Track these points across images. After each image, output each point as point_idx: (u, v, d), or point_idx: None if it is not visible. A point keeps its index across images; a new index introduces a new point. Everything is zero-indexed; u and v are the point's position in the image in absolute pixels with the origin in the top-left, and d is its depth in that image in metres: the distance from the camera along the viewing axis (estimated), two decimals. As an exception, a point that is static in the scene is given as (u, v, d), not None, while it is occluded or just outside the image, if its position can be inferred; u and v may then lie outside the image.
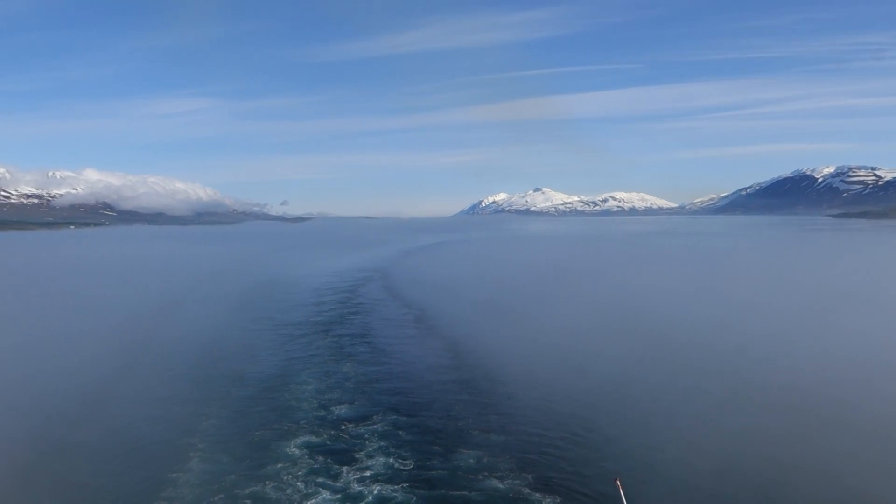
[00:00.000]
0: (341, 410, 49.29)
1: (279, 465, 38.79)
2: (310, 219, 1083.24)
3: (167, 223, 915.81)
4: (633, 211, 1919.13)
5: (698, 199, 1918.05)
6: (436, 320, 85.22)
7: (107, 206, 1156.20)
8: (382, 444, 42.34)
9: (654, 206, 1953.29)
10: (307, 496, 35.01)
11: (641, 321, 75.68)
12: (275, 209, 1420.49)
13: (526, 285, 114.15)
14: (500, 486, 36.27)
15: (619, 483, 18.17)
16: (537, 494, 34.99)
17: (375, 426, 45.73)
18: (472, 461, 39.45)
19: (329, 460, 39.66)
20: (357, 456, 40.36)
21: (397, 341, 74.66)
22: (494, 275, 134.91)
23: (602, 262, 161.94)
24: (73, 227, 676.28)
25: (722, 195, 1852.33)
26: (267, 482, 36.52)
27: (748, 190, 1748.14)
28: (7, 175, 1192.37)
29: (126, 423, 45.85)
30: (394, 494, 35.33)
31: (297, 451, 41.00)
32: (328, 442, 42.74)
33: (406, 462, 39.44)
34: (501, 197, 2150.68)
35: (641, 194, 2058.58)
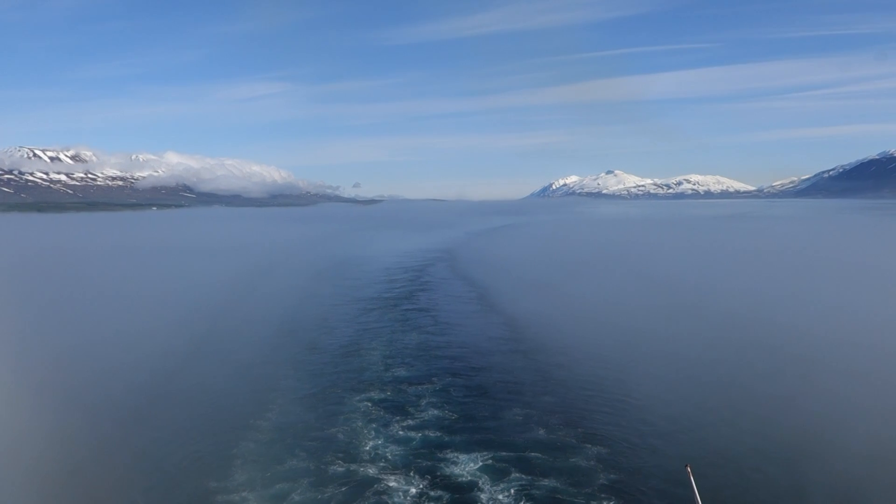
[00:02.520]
0: (403, 372, 55.09)
1: (346, 416, 44.57)
2: (381, 201, 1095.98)
3: (243, 205, 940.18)
4: (708, 194, 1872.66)
5: (777, 182, 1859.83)
6: (499, 298, 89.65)
7: (186, 188, 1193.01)
8: (434, 400, 47.88)
9: (731, 189, 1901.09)
10: (368, 439, 40.66)
11: (710, 305, 75.81)
12: (347, 191, 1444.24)
13: (589, 267, 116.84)
14: (560, 458, 39.67)
15: (689, 469, 17.38)
16: (599, 470, 35.83)
17: (432, 386, 51.30)
18: (523, 423, 44.17)
19: (388, 412, 45.27)
20: (412, 409, 45.96)
21: (459, 315, 79.83)
22: (558, 256, 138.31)
23: (668, 246, 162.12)
24: (155, 208, 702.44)
25: (803, 178, 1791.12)
26: (335, 429, 42.41)
27: (830, 172, 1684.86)
28: (94, 158, 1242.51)
29: (213, 379, 52.32)
30: (439, 439, 40.74)
31: (362, 405, 46.79)
32: (390, 397, 48.49)
33: (454, 415, 44.76)
34: (573, 179, 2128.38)
35: (717, 177, 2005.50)
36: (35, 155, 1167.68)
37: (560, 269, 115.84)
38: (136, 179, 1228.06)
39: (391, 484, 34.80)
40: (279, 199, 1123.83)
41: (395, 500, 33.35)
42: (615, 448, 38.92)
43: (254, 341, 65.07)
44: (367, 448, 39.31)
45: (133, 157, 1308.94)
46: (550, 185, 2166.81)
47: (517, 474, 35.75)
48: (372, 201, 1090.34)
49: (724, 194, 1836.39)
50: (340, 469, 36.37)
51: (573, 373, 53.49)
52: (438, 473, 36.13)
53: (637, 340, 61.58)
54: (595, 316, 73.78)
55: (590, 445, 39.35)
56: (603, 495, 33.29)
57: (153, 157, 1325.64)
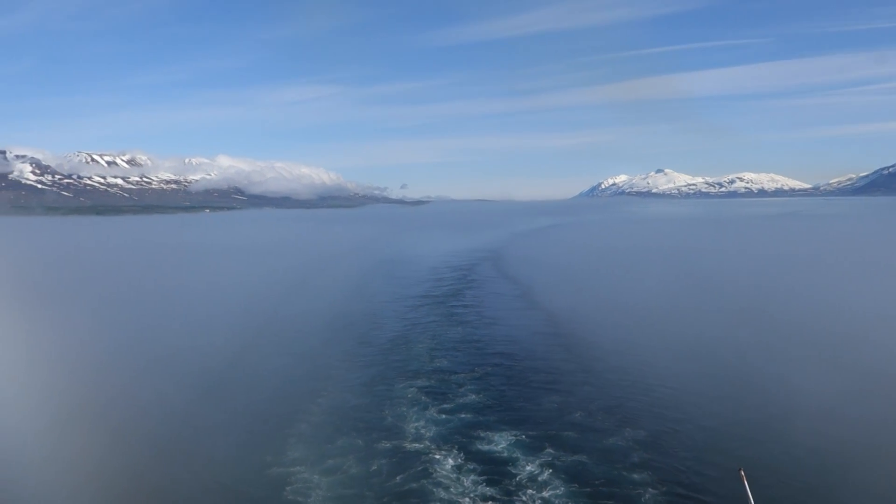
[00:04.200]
0: (446, 363, 58.18)
1: (393, 401, 47.73)
2: (428, 202, 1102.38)
3: (293, 206, 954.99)
4: (761, 192, 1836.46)
5: (834, 180, 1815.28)
6: (542, 296, 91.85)
7: (237, 191, 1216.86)
8: (475, 387, 51.00)
9: (785, 188, 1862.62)
10: (413, 420, 43.87)
11: (759, 306, 74.82)
12: (394, 192, 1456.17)
13: (635, 266, 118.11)
14: (595, 440, 42.82)
15: (742, 474, 16.91)
16: (650, 475, 35.46)
17: (473, 375, 54.39)
18: (560, 408, 46.61)
19: (431, 397, 48.51)
20: (453, 395, 49.12)
21: (502, 311, 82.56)
22: (603, 256, 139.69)
23: (716, 245, 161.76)
24: (208, 210, 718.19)
25: (861, 175, 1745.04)
26: (383, 412, 45.71)
27: (890, 169, 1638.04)
28: (149, 162, 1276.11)
29: (270, 368, 55.92)
30: (478, 420, 43.77)
31: (408, 391, 49.97)
32: (434, 385, 51.69)
33: (493, 400, 47.76)
34: (621, 179, 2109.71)
35: (771, 175, 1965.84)
36: (93, 160, 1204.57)
37: (604, 268, 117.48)
38: (189, 182, 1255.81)
39: (433, 457, 37.84)
40: (328, 200, 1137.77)
41: (437, 471, 36.22)
42: (655, 437, 40.40)
43: (308, 334, 68.66)
44: (411, 428, 42.36)
45: (186, 160, 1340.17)
46: (599, 184, 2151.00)
47: (551, 450, 38.43)
48: (419, 202, 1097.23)
49: (779, 192, 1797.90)
50: (387, 446, 39.44)
51: (615, 367, 54.89)
52: (476, 449, 39.08)
53: (682, 339, 61.95)
54: (640, 314, 74.59)
55: (629, 429, 41.36)
56: (638, 476, 35.51)
57: (205, 160, 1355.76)
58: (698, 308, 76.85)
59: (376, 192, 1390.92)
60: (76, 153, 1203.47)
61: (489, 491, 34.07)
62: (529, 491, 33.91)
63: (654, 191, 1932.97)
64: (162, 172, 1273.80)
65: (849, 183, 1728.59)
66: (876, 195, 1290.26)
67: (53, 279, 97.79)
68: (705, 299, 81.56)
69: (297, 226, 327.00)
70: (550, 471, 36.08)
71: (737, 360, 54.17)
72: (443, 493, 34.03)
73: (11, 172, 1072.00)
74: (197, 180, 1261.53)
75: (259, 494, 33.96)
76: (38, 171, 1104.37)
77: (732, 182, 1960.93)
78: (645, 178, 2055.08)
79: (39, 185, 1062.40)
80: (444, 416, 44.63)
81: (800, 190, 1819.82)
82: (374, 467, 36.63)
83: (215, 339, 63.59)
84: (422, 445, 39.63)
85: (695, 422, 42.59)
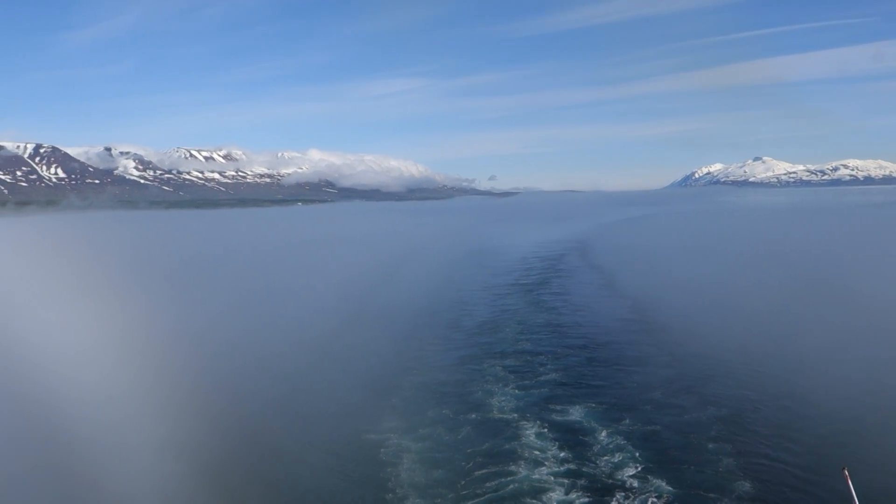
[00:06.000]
0: (532, 346, 61.03)
1: (479, 378, 50.83)
2: (516, 193, 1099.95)
3: (382, 199, 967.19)
4: (868, 180, 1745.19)
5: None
6: (627, 284, 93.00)
7: (328, 184, 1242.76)
8: (556, 366, 53.85)
9: (895, 174, 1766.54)
10: (497, 395, 46.96)
11: (859, 299, 70.94)
12: (482, 184, 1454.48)
13: (725, 257, 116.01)
14: (675, 417, 44.61)
15: (846, 473, 16.06)
16: (730, 447, 36.85)
17: (556, 355, 57.04)
18: (640, 386, 48.54)
19: (516, 375, 51.58)
20: (537, 373, 51.97)
21: (587, 299, 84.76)
22: (691, 247, 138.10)
23: (815, 236, 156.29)
24: (300, 203, 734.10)
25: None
26: (469, 388, 48.87)
27: None
28: (244, 157, 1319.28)
29: (366, 348, 59.57)
30: (558, 395, 46.66)
31: (493, 370, 53.08)
32: (518, 364, 54.73)
33: (573, 378, 50.65)
34: (717, 167, 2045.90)
35: (879, 161, 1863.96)
36: (191, 155, 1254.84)
37: (692, 258, 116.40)
38: (282, 176, 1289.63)
39: (517, 426, 40.81)
40: (416, 192, 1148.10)
41: (520, 437, 39.14)
42: (735, 414, 41.63)
43: (400, 319, 72.22)
44: (497, 401, 45.31)
45: (279, 154, 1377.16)
46: (693, 173, 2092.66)
47: (628, 421, 40.99)
48: (507, 193, 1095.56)
49: (888, 179, 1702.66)
50: (473, 417, 42.43)
51: (697, 353, 55.36)
52: (556, 419, 41.90)
53: (770, 329, 60.58)
54: (728, 304, 73.29)
55: (712, 408, 42.72)
56: (713, 446, 37.16)
57: (297, 154, 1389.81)
58: (789, 299, 74.42)
59: (464, 183, 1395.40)
60: (176, 149, 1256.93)
61: (568, 454, 36.59)
62: (605, 457, 36.29)
63: (751, 179, 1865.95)
64: (256, 167, 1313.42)
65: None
66: None
67: (181, 267, 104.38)
68: (797, 291, 79.44)
69: (387, 217, 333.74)
70: (626, 439, 38.39)
71: (836, 356, 50.72)
72: (526, 454, 36.75)
73: (116, 168, 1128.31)
74: (289, 174, 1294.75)
75: (356, 455, 37.40)
76: (140, 167, 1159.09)
77: (836, 169, 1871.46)
78: (742, 167, 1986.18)
79: (142, 181, 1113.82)
80: (527, 392, 47.40)
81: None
82: (462, 435, 39.58)
83: (318, 321, 67.86)
84: (506, 416, 42.50)
85: (777, 402, 43.30)
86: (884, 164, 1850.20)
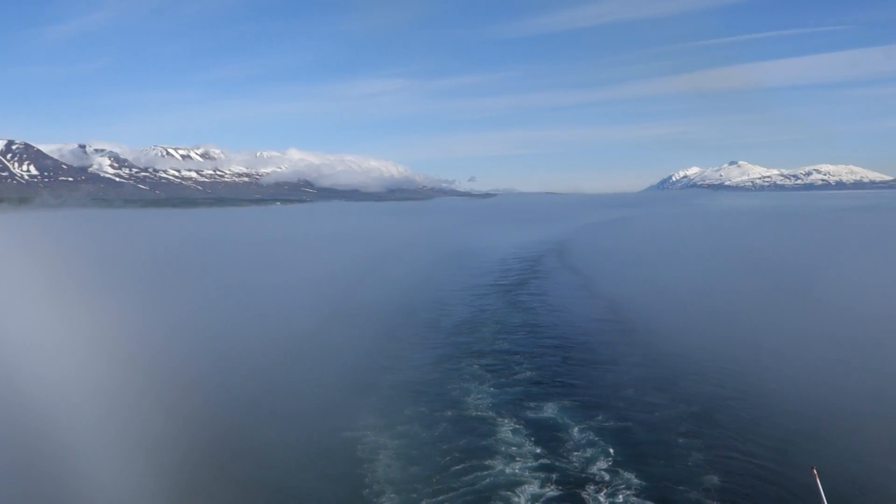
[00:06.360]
0: (509, 345, 61.86)
1: (456, 377, 51.44)
2: (496, 195, 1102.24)
3: (361, 199, 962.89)
4: (840, 185, 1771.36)
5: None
6: (603, 286, 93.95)
7: (307, 184, 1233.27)
8: (532, 365, 54.74)
9: (866, 180, 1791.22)
10: (473, 393, 47.63)
11: (830, 301, 72.65)
12: (462, 185, 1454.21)
13: (699, 259, 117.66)
14: (647, 414, 45.41)
15: (815, 472, 16.29)
16: (699, 441, 38.10)
17: (532, 354, 58.01)
18: (613, 385, 49.36)
19: (492, 373, 52.36)
20: (512, 372, 52.81)
21: (564, 299, 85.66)
22: (667, 249, 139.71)
23: (786, 240, 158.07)
24: (279, 203, 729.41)
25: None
26: (446, 386, 49.56)
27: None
28: (222, 156, 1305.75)
29: (344, 347, 59.77)
30: (532, 392, 47.45)
31: (470, 369, 53.78)
32: (495, 363, 55.49)
33: (547, 376, 51.43)
34: (693, 171, 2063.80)
35: (850, 166, 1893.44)
36: (168, 153, 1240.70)
37: (667, 260, 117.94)
38: (261, 176, 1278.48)
39: (492, 423, 41.47)
40: (396, 193, 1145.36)
41: (495, 433, 39.79)
42: (706, 412, 42.85)
43: (379, 319, 72.54)
44: (473, 399, 46.00)
45: (258, 154, 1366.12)
46: (670, 176, 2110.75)
47: (600, 418, 41.85)
48: (487, 195, 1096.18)
49: (859, 185, 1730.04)
50: (450, 414, 43.04)
51: (671, 353, 56.38)
52: (531, 416, 42.70)
53: (742, 330, 61.79)
54: (701, 305, 74.84)
55: (683, 405, 43.90)
56: (683, 441, 38.03)
57: (276, 153, 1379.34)
58: (760, 301, 75.84)
59: (444, 184, 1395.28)
60: (152, 147, 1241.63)
61: (542, 450, 37.31)
62: (578, 452, 37.10)
63: (727, 183, 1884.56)
64: (234, 166, 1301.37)
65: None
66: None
67: (154, 266, 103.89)
68: (768, 293, 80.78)
69: (367, 217, 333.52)
70: (598, 434, 39.25)
71: (802, 355, 52.26)
72: (502, 450, 37.42)
73: (91, 166, 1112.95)
74: (268, 173, 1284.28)
75: (332, 453, 37.76)
76: (116, 165, 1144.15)
77: (809, 174, 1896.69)
78: (718, 171, 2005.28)
79: (117, 179, 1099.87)
80: (503, 390, 48.09)
81: (881, 182, 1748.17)
82: (438, 432, 40.16)
83: (296, 320, 68.04)
84: (483, 413, 43.17)
85: (746, 401, 44.28)
86: (855, 169, 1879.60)
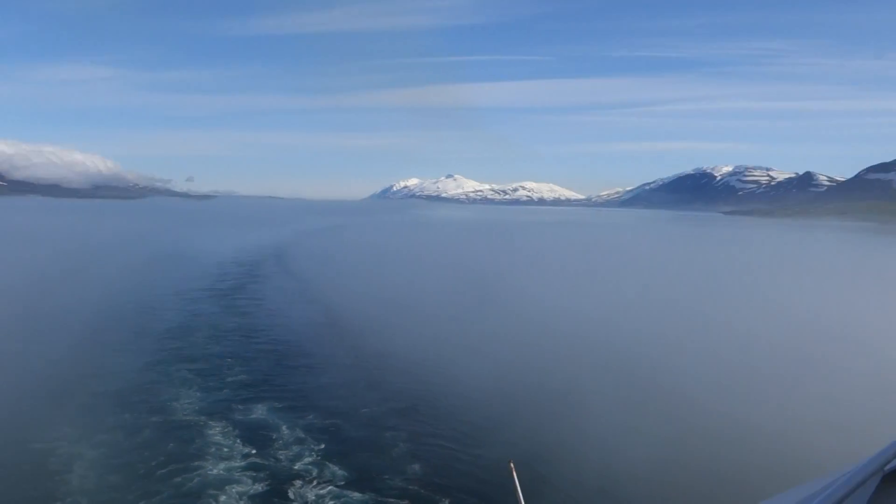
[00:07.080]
0: (222, 349, 60.76)
1: (165, 383, 49.79)
2: (216, 196, 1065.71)
3: (62, 196, 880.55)
4: (542, 201, 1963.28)
5: (605, 192, 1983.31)
6: (322, 292, 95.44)
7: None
8: (245, 368, 54.45)
9: (563, 198, 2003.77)
10: (184, 398, 46.31)
11: (531, 309, 78.17)
12: (179, 185, 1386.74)
13: (415, 267, 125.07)
14: (363, 424, 47.40)
15: (512, 466, 15.62)
16: (404, 434, 40.72)
17: (246, 358, 57.74)
18: (328, 387, 50.81)
19: (203, 377, 51.25)
20: (224, 375, 52.09)
21: (283, 305, 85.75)
22: (385, 256, 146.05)
23: (502, 253, 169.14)
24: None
25: (627, 189, 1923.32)
26: (153, 391, 47.65)
27: (651, 185, 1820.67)
28: None
29: (32, 358, 54.65)
30: (242, 395, 46.84)
31: (181, 373, 52.16)
32: (207, 367, 54.32)
33: (259, 379, 51.67)
34: (413, 182, 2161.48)
35: (551, 185, 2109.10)
36: None
37: (384, 266, 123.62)
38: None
39: (202, 426, 40.92)
40: (103, 190, 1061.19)
41: (204, 436, 39.38)
42: (411, 406, 45.95)
43: (79, 325, 67.14)
44: (182, 404, 44.67)
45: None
46: (391, 186, 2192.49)
47: (311, 417, 42.91)
48: (206, 196, 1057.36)
49: (557, 202, 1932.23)
50: (156, 419, 41.46)
51: (382, 353, 59.28)
52: (242, 418, 42.58)
53: (454, 334, 64.84)
54: (415, 310, 78.91)
55: (392, 402, 46.39)
56: (391, 434, 40.49)
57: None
58: (464, 304, 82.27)
59: (159, 184, 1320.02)
60: None
61: (252, 449, 37.59)
62: (286, 450, 37.94)
63: (443, 195, 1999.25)
64: None
65: (616, 196, 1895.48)
66: (639, 207, 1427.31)
67: None
68: (473, 296, 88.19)
69: (67, 218, 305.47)
70: (307, 432, 40.34)
71: (505, 359, 55.87)
72: (212, 451, 37.15)
73: None
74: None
75: (19, 466, 34.80)
76: None
77: (516, 190, 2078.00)
78: (436, 183, 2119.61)
79: None
80: (213, 393, 47.42)
81: (575, 200, 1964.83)
82: (143, 438, 38.56)
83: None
84: (192, 417, 42.22)
85: (449, 398, 47.59)
86: (555, 188, 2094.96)
